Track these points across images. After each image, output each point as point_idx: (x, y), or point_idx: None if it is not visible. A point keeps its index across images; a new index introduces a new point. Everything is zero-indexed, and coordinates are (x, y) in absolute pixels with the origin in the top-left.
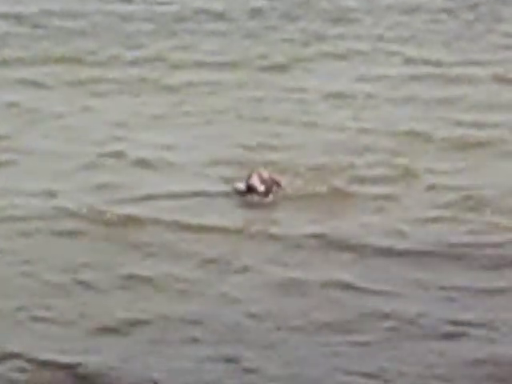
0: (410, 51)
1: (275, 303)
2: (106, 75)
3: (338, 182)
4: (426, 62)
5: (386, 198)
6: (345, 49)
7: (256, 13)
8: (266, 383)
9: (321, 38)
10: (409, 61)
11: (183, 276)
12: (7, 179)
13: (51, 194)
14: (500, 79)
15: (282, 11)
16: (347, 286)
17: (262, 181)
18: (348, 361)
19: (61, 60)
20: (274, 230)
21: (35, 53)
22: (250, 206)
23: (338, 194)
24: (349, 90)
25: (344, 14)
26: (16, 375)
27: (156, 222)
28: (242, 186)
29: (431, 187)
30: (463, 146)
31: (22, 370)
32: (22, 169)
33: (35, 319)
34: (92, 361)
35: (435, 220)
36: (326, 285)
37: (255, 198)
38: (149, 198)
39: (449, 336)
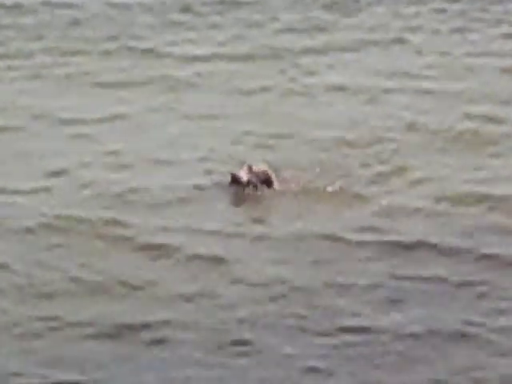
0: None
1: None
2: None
3: (339, 180)
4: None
5: (385, 194)
6: (352, 39)
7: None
8: None
9: (328, 28)
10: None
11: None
12: None
13: None
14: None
15: (288, 1)
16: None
17: (250, 173)
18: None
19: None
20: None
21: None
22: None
23: (335, 192)
24: (355, 83)
25: (352, 3)
26: None
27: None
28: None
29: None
30: (472, 140)
31: None
32: None
33: None
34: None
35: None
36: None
37: (239, 189)
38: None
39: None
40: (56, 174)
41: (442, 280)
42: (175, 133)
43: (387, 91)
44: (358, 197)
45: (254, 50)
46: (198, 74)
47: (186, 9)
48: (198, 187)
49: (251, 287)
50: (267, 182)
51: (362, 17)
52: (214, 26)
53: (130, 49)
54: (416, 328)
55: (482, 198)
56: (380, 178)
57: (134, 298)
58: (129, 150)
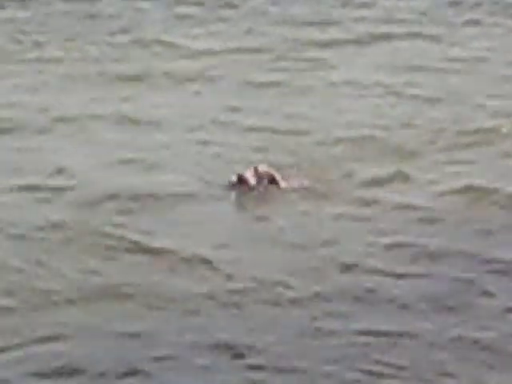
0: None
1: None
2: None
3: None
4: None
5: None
6: (365, 33)
7: None
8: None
9: (341, 21)
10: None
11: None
12: None
13: None
14: None
15: None
16: None
17: (256, 174)
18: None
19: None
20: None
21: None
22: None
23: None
24: (367, 78)
25: None
26: None
27: None
28: (234, 178)
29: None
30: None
31: None
32: None
33: None
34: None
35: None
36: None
37: (245, 190)
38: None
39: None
40: (58, 173)
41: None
42: (181, 129)
43: (402, 86)
44: (361, 197)
45: (265, 43)
46: (208, 68)
47: (197, 2)
48: (201, 186)
49: (254, 289)
50: (272, 182)
51: (374, 10)
52: (225, 20)
53: (141, 42)
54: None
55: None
56: (387, 178)
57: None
58: (133, 147)
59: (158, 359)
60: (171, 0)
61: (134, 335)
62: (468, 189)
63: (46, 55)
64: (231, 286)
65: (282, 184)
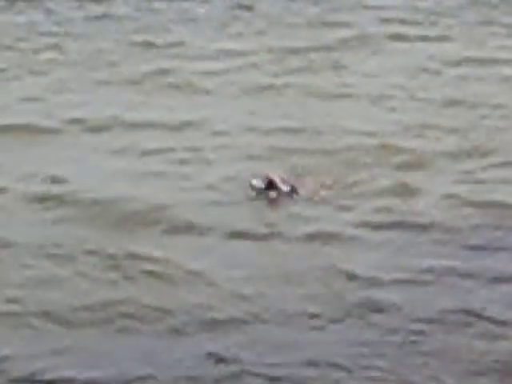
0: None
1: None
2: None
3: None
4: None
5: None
6: (375, 35)
7: None
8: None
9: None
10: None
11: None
12: None
13: None
14: None
15: None
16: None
17: (282, 180)
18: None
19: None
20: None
21: None
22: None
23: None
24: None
25: None
26: None
27: None
28: (259, 182)
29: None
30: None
31: None
32: None
33: None
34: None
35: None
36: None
37: (274, 194)
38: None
39: None
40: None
41: None
42: (191, 132)
43: (416, 90)
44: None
45: (278, 45)
46: (215, 72)
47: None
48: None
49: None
50: (292, 189)
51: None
52: (232, 22)
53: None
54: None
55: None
56: (403, 186)
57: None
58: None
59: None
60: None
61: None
62: (485, 203)
63: (59, 57)
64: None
65: (302, 192)
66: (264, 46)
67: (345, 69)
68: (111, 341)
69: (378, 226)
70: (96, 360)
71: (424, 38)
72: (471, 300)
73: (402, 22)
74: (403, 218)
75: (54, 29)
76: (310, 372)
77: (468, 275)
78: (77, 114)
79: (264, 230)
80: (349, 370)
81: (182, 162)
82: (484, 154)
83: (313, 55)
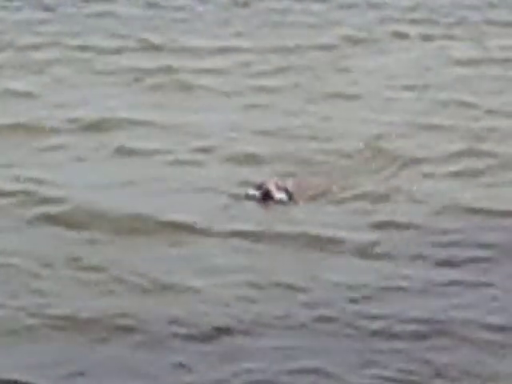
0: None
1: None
2: None
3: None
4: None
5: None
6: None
7: None
8: None
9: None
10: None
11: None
12: None
13: None
14: None
15: None
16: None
17: (279, 187)
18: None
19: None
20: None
21: None
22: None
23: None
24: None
25: None
26: None
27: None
28: (255, 192)
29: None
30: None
31: None
32: None
33: None
34: None
35: None
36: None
37: (271, 204)
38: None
39: None
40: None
41: None
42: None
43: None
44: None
45: (281, 44)
46: (209, 70)
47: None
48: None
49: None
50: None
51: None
52: (229, 20)
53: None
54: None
55: None
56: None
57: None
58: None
59: None
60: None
61: None
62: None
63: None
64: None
65: (297, 199)
66: (263, 44)
67: (345, 68)
68: (90, 351)
69: (367, 229)
70: (72, 372)
71: (427, 37)
72: (459, 304)
73: (405, 20)
74: (392, 220)
75: (53, 26)
76: (295, 380)
77: (454, 280)
78: (74, 112)
79: (256, 232)
80: (338, 378)
81: (175, 163)
82: (484, 156)
83: (312, 54)
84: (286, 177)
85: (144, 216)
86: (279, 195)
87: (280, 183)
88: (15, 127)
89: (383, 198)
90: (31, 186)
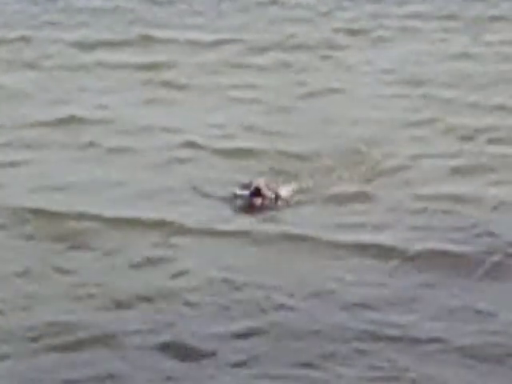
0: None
1: None
2: None
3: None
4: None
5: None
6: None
7: None
8: None
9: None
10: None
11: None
12: None
13: None
14: None
15: None
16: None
17: (267, 187)
18: None
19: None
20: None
21: None
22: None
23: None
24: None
25: None
26: None
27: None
28: (243, 191)
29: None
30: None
31: None
32: None
33: None
34: None
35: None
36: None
37: (259, 201)
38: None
39: None
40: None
41: None
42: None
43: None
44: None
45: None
46: (203, 64)
47: None
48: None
49: None
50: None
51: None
52: (233, 13)
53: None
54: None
55: None
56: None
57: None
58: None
59: None
60: None
61: None
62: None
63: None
64: None
65: (284, 198)
66: (254, 39)
67: (337, 63)
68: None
69: (348, 229)
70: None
71: (421, 31)
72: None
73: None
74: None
75: (51, 18)
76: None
77: (435, 283)
78: (66, 108)
79: (243, 231)
80: (325, 369)
81: (164, 160)
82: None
83: (304, 49)
84: (273, 176)
85: (129, 216)
86: (269, 194)
87: (268, 183)
88: None
89: (368, 197)
90: None
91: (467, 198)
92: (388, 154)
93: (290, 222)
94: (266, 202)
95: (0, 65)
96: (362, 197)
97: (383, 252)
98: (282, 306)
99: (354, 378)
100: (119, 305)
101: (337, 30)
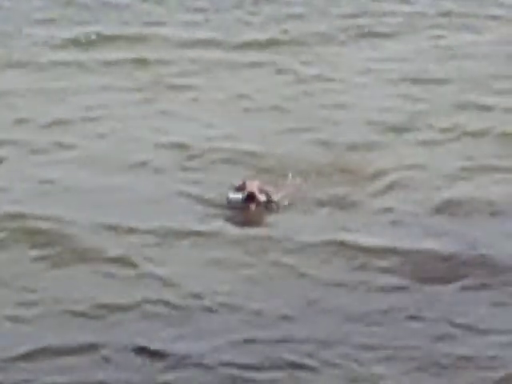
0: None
1: None
2: None
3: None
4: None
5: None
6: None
7: None
8: None
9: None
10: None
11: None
12: None
13: None
14: None
15: None
16: None
17: (260, 191)
18: None
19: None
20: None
21: None
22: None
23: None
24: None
25: None
26: None
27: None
28: (237, 195)
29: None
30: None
31: None
32: None
33: None
34: None
35: None
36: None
37: (253, 207)
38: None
39: None
40: None
41: None
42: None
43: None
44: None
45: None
46: (195, 61)
47: None
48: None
49: None
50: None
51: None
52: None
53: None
54: None
55: None
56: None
57: None
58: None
59: None
60: None
61: None
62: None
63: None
64: None
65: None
66: (267, 35)
67: (333, 62)
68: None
69: (343, 232)
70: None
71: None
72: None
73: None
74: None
75: (48, 14)
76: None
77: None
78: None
79: (236, 234)
80: (313, 369)
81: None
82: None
83: (299, 46)
84: (266, 177)
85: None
86: (263, 198)
87: (261, 186)
88: None
89: (362, 200)
90: None
91: (463, 201)
92: (384, 154)
93: (282, 225)
94: (260, 206)
95: None
96: (356, 199)
97: (378, 254)
98: (274, 312)
99: None
100: (100, 311)
101: (334, 27)
